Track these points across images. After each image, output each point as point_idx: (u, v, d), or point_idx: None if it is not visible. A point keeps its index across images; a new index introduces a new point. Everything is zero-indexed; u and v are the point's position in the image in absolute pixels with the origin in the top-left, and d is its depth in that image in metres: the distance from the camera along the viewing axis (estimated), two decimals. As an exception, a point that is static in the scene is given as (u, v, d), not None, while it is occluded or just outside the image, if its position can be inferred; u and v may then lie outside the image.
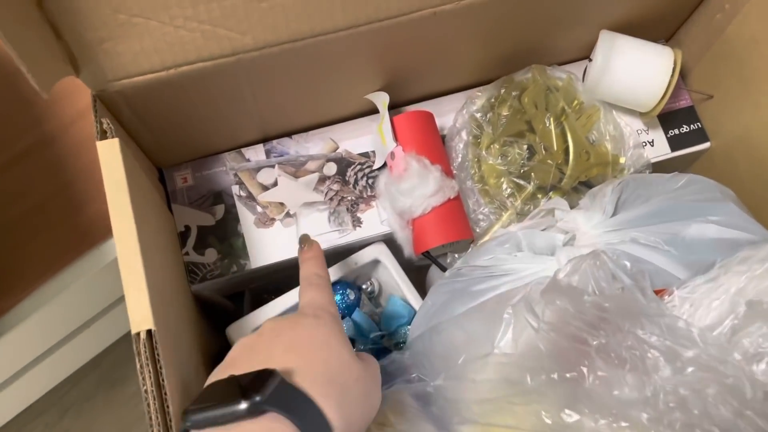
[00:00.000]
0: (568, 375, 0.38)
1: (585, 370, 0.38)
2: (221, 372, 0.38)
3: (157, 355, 0.41)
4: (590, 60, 0.61)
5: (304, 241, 0.49)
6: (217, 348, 0.58)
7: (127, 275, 0.42)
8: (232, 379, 0.35)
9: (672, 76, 0.59)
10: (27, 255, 0.70)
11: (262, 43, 0.47)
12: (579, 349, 0.39)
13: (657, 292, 0.47)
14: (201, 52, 0.46)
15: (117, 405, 0.93)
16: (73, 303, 0.75)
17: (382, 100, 0.59)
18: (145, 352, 0.41)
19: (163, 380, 0.41)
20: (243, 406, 0.33)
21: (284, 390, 0.35)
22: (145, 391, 0.41)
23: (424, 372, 0.47)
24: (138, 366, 0.41)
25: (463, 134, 0.61)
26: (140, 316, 0.41)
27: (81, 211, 0.70)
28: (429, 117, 0.60)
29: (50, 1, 0.40)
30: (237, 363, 0.38)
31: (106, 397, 0.93)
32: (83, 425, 0.93)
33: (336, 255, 0.60)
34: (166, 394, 0.40)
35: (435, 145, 0.59)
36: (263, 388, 0.33)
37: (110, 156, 0.43)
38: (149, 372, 0.40)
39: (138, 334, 0.41)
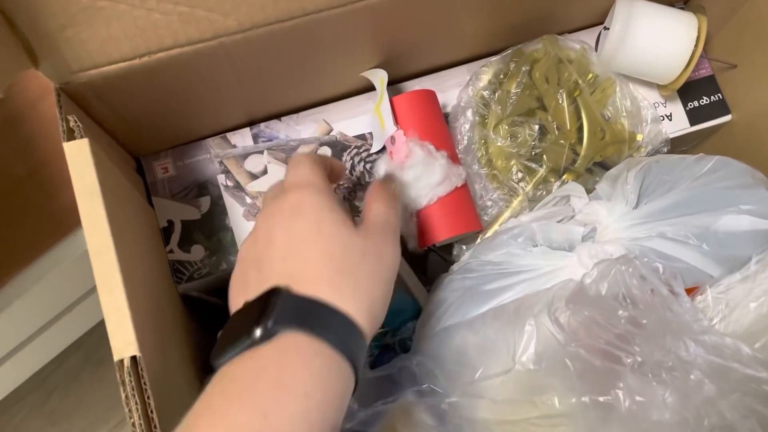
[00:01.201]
0: (601, 399, 0.35)
1: (620, 394, 0.34)
2: (236, 289, 0.38)
3: (144, 383, 0.37)
4: (605, 28, 0.56)
5: None
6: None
7: (106, 297, 0.37)
8: (246, 306, 0.35)
9: (696, 45, 0.54)
10: (3, 241, 0.66)
11: (247, 25, 0.41)
12: (611, 368, 0.35)
13: (688, 291, 0.43)
14: (178, 36, 0.40)
15: (104, 383, 0.90)
16: (53, 289, 0.71)
17: (380, 77, 0.54)
18: (131, 381, 0.37)
19: (152, 411, 0.37)
20: (257, 333, 0.32)
21: (292, 303, 0.33)
22: (132, 423, 0.37)
23: (436, 382, 0.44)
24: (123, 396, 0.37)
25: (469, 114, 0.56)
26: (123, 341, 0.37)
27: (56, 194, 0.65)
28: (431, 96, 0.55)
29: (-2, -16, 0.34)
30: (246, 277, 0.37)
31: (92, 375, 0.89)
32: (70, 405, 0.90)
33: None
34: (156, 427, 0.37)
35: (439, 128, 0.54)
36: (270, 309, 0.32)
37: (79, 160, 0.38)
38: (135, 403, 0.36)
39: (121, 361, 0.37)
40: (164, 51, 0.41)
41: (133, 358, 0.37)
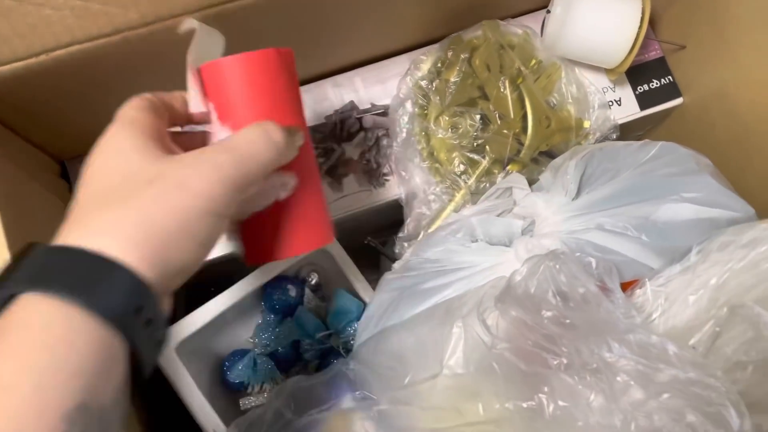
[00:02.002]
0: (524, 405, 0.33)
1: (544, 398, 0.32)
2: None
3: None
4: (548, 12, 0.54)
5: None
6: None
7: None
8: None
9: (640, 27, 0.52)
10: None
11: (151, 17, 0.39)
12: (537, 372, 0.33)
13: (627, 285, 0.41)
14: (74, 33, 0.38)
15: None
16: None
17: (209, 40, 0.37)
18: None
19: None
20: None
21: (42, 258, 0.27)
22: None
23: (370, 388, 0.42)
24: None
25: (408, 105, 0.53)
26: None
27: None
28: (270, 59, 0.37)
29: None
30: None
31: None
32: None
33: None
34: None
35: (275, 107, 0.37)
36: (7, 271, 0.26)
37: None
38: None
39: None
40: (62, 48, 0.38)
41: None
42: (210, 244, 0.31)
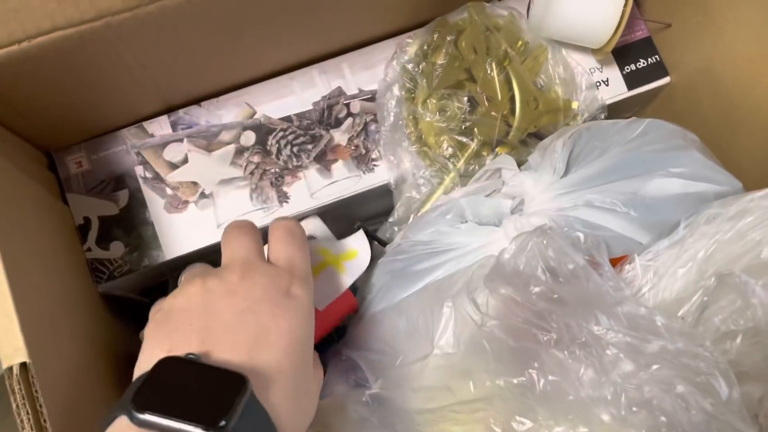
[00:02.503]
0: (515, 381, 0.33)
1: (534, 374, 0.32)
2: (158, 343, 0.30)
3: (36, 391, 0.35)
4: (532, -6, 0.54)
5: None
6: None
7: (-10, 300, 0.35)
8: (201, 370, 0.28)
9: (625, 5, 0.51)
10: None
11: (133, 2, 0.38)
12: (526, 348, 0.33)
13: (616, 261, 0.42)
14: (56, 18, 0.37)
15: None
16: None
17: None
18: (20, 390, 0.34)
19: (45, 420, 0.35)
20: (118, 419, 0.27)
21: (252, 408, 0.27)
22: (25, 434, 0.34)
23: (361, 375, 0.42)
24: (14, 406, 0.34)
25: (395, 89, 0.53)
26: (11, 347, 0.35)
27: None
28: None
29: None
30: (182, 329, 0.30)
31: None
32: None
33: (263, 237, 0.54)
34: (49, 437, 0.34)
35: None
36: (233, 405, 0.26)
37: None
38: (27, 413, 0.34)
39: (10, 368, 0.35)
40: (44, 35, 0.38)
41: (23, 365, 0.35)
42: None
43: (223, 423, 0.25)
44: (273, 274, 0.32)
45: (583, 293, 0.34)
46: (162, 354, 0.29)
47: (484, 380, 0.33)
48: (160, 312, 0.33)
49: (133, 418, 0.26)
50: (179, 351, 0.29)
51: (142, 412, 0.26)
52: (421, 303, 0.41)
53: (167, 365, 0.28)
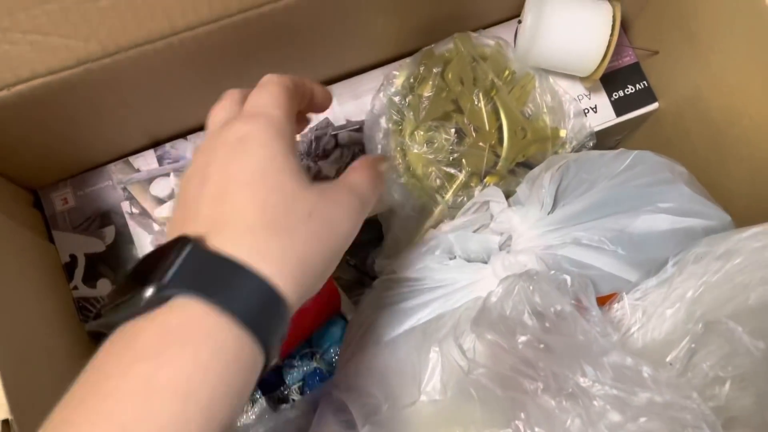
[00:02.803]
0: (503, 432, 0.32)
1: (521, 425, 0.32)
2: (168, 228, 0.31)
3: (19, 448, 0.34)
4: (519, 22, 0.54)
5: None
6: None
7: (-29, 355, 0.34)
8: (148, 256, 0.28)
9: (612, 34, 0.51)
10: None
11: (112, 48, 0.38)
12: (513, 397, 0.33)
13: (604, 299, 0.41)
14: (35, 66, 0.37)
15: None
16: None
17: None
18: (3, 447, 0.34)
19: (28, 478, 0.34)
20: (145, 295, 0.25)
21: (198, 261, 0.26)
22: (9, 492, 0.34)
23: (351, 417, 0.41)
24: (-3, 464, 0.34)
25: (382, 121, 0.53)
26: (-8, 403, 0.34)
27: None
28: None
29: None
30: (174, 224, 0.30)
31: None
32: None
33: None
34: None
35: None
36: (167, 265, 0.26)
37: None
38: (10, 471, 0.34)
39: (-7, 425, 0.34)
40: (23, 83, 0.38)
41: (5, 422, 0.34)
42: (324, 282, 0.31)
43: (158, 281, 0.25)
44: (223, 130, 0.31)
45: (569, 341, 0.34)
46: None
47: (471, 431, 0.33)
48: None
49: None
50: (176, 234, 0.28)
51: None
52: (408, 345, 0.40)
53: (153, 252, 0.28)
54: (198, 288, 0.26)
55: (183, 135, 0.54)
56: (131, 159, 0.53)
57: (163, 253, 0.26)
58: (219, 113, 0.34)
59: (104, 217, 0.52)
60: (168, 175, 0.53)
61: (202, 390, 0.24)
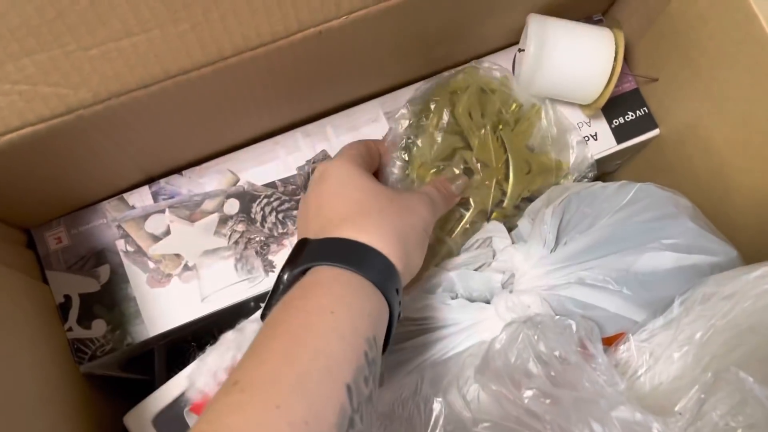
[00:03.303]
0: (508, 490, 0.31)
1: (528, 483, 0.31)
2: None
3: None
4: (520, 50, 0.53)
5: None
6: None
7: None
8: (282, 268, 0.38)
9: (615, 61, 0.51)
10: None
11: (104, 95, 0.37)
12: (521, 451, 0.32)
13: (611, 340, 0.41)
14: (25, 115, 0.36)
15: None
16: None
17: None
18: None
19: None
20: (284, 278, 0.36)
21: (316, 245, 0.37)
22: None
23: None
24: None
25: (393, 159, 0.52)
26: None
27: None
28: None
29: None
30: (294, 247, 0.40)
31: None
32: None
33: (247, 307, 0.52)
34: None
35: None
36: (296, 256, 0.37)
37: None
38: None
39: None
40: (13, 132, 0.37)
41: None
42: (423, 259, 0.40)
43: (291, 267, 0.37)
44: (313, 174, 0.44)
45: (575, 392, 0.33)
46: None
47: (476, 487, 0.32)
48: None
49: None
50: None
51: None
52: (410, 390, 0.39)
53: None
54: (320, 258, 0.36)
55: (178, 170, 0.53)
56: (126, 196, 0.52)
57: (290, 255, 0.38)
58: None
59: (99, 256, 0.51)
60: (163, 211, 0.52)
61: (341, 309, 0.33)
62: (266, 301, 0.38)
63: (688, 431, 0.32)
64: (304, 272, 0.36)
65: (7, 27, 0.32)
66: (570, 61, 0.51)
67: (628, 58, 0.58)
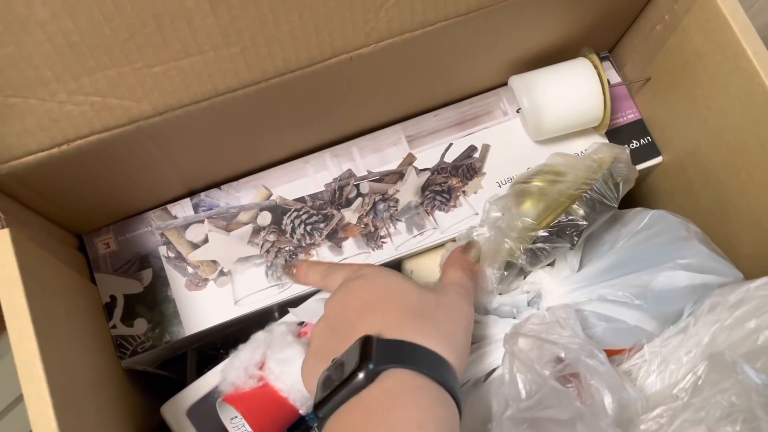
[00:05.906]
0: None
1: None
2: (314, 365, 0.39)
3: (68, 472, 0.37)
4: (518, 111, 0.59)
5: None
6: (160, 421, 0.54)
7: (27, 384, 0.38)
8: (337, 362, 0.37)
9: (601, 79, 0.56)
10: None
11: (162, 108, 0.42)
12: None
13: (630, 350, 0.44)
14: (93, 124, 0.41)
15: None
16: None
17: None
18: (54, 472, 0.37)
19: (75, 499, 0.37)
20: (360, 377, 0.34)
21: (387, 345, 0.36)
22: None
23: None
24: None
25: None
26: (45, 429, 0.37)
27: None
28: None
29: None
30: (325, 350, 0.39)
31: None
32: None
33: (279, 311, 0.57)
34: None
35: None
36: (368, 353, 0.35)
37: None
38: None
39: (45, 454, 0.37)
40: (82, 138, 0.42)
41: (56, 448, 0.37)
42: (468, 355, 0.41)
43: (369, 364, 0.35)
44: (346, 279, 0.45)
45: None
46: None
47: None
48: None
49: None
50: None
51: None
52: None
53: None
54: (397, 362, 0.35)
55: (217, 185, 0.58)
56: (169, 206, 0.57)
57: (356, 351, 0.36)
58: (324, 281, 0.49)
59: (143, 261, 0.56)
60: (202, 221, 0.57)
61: (428, 423, 0.33)
62: (328, 391, 0.36)
63: (687, 411, 0.35)
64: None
65: (87, 45, 0.37)
66: (563, 98, 0.56)
67: (631, 90, 0.63)
